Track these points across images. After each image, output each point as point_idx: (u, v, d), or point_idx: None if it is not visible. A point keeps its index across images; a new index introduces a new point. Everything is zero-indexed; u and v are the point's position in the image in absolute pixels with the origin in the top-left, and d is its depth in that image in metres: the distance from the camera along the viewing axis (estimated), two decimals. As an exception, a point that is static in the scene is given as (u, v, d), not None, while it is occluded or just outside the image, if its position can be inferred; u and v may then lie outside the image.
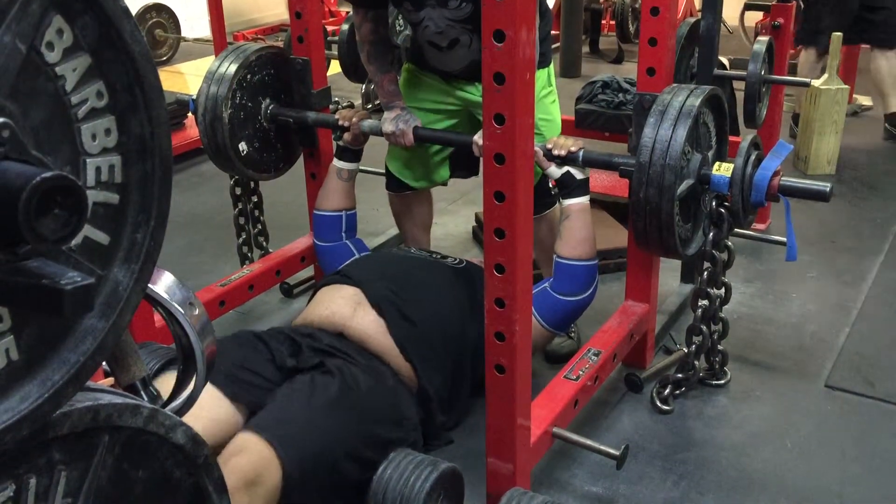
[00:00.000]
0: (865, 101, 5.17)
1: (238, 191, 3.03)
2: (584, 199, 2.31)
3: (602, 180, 3.71)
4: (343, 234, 2.73)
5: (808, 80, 3.24)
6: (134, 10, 6.16)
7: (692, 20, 2.98)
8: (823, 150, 4.13)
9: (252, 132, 2.70)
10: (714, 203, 2.16)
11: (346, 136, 2.65)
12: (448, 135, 2.57)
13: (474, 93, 2.52)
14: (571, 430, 2.09)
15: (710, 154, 2.20)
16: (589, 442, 2.05)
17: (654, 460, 2.20)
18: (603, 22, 7.10)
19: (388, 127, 2.54)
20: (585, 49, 6.67)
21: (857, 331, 2.79)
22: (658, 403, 2.38)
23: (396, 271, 2.40)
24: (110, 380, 1.12)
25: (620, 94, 3.76)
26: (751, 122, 2.98)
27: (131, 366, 1.04)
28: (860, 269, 3.22)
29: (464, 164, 2.80)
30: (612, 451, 2.01)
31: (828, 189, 2.04)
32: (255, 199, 3.07)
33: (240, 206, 3.05)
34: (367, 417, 1.94)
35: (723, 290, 2.33)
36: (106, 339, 0.84)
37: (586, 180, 2.32)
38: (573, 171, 2.28)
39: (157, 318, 2.34)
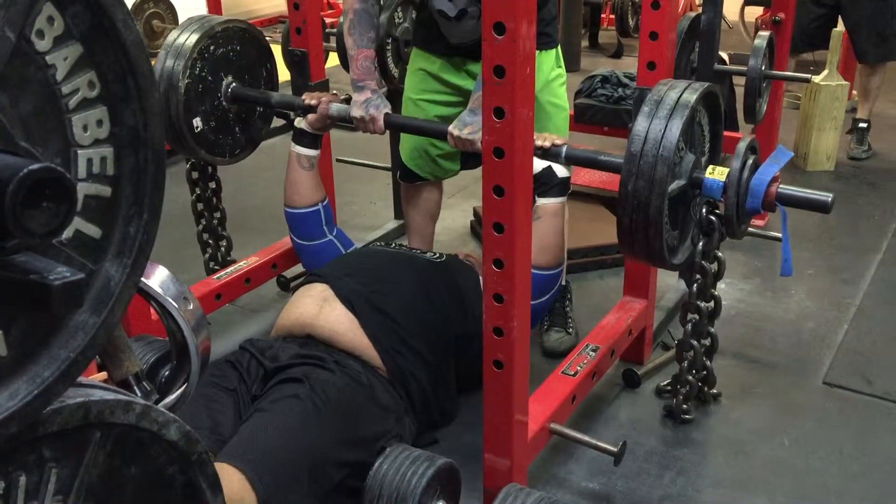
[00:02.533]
0: (865, 97, 5.15)
1: (195, 175, 2.85)
2: (560, 200, 2.19)
3: (600, 175, 3.69)
4: (325, 229, 2.63)
5: (808, 76, 3.22)
6: (130, 0, 6.13)
7: (692, 14, 2.97)
8: (823, 147, 4.12)
9: (209, 109, 2.52)
10: (704, 210, 2.03)
11: (311, 117, 2.49)
12: (422, 123, 2.47)
13: (479, 72, 2.48)
14: (569, 425, 2.08)
15: (704, 160, 2.05)
16: (586, 438, 2.04)
17: (652, 456, 2.19)
18: (602, 16, 7.08)
19: (356, 112, 2.41)
20: (585, 43, 6.65)
21: (855, 328, 2.78)
22: (682, 416, 2.31)
23: (367, 265, 2.34)
24: (103, 374, 1.10)
25: (620, 89, 3.74)
26: (751, 117, 2.97)
27: (124, 361, 1.02)
28: (859, 267, 3.21)
29: (474, 156, 2.76)
30: (609, 447, 2.00)
31: (829, 199, 1.91)
32: (212, 185, 2.90)
33: (197, 192, 2.88)
34: (342, 420, 1.89)
35: (712, 303, 2.19)
36: (97, 334, 0.82)
37: (567, 180, 2.20)
38: (555, 167, 2.17)
39: (154, 311, 2.32)
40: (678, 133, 1.83)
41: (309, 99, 2.49)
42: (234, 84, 2.55)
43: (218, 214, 2.95)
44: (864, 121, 4.37)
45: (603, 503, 2.05)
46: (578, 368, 2.19)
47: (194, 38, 2.42)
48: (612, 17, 7.04)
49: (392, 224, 3.48)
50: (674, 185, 1.88)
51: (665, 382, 2.41)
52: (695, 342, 2.22)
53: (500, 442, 1.83)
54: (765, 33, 2.97)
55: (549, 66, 2.48)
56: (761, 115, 3.05)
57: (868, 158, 4.34)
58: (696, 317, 2.19)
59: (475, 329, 1.83)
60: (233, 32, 2.55)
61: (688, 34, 2.91)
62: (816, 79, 3.98)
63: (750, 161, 1.94)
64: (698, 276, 2.13)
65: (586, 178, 3.67)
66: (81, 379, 0.90)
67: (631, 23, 6.81)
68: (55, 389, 0.80)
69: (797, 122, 4.26)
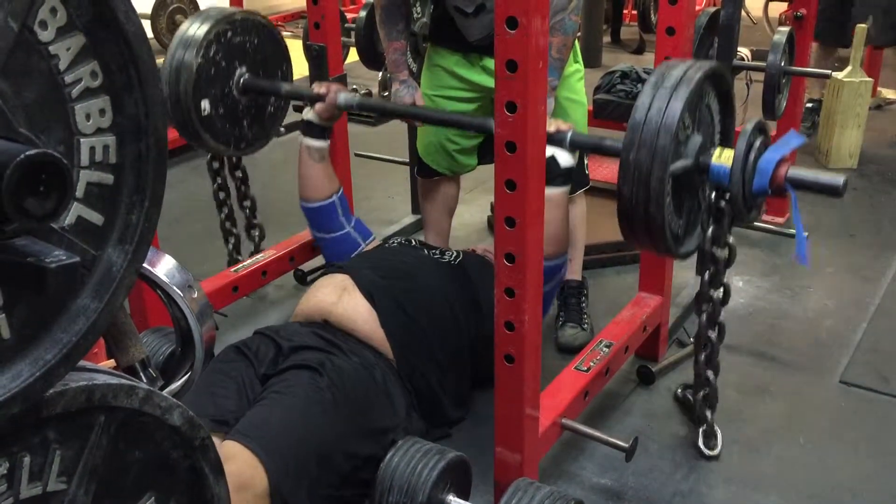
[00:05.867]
0: (890, 94, 5.09)
1: (216, 165, 2.85)
2: (563, 190, 2.14)
3: (619, 171, 3.68)
4: (343, 220, 2.62)
5: (829, 72, 3.19)
6: (155, -5, 6.20)
7: (711, 10, 2.95)
8: (846, 144, 4.07)
9: (219, 95, 2.43)
10: (713, 196, 1.91)
11: (319, 106, 2.46)
12: (463, 118, 2.46)
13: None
14: (581, 421, 2.08)
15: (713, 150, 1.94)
16: (598, 434, 2.04)
17: (664, 453, 2.19)
18: (625, 11, 7.06)
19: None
20: (606, 39, 6.63)
21: (874, 327, 2.76)
22: (705, 450, 2.18)
23: (389, 262, 2.35)
24: (111, 362, 1.12)
25: (639, 85, 3.72)
26: (769, 113, 2.95)
27: (130, 348, 1.04)
28: (879, 265, 3.17)
29: (491, 151, 2.76)
30: (621, 443, 1.99)
31: (841, 183, 1.79)
32: (239, 174, 2.91)
33: (219, 181, 2.88)
34: (354, 411, 1.90)
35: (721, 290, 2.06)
36: (99, 319, 0.84)
37: (570, 170, 2.15)
38: (558, 156, 2.10)
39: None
40: (682, 103, 1.72)
41: (318, 88, 2.49)
42: (246, 76, 2.50)
43: (248, 203, 2.98)
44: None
45: (614, 499, 2.05)
46: (591, 364, 2.19)
47: (213, 20, 2.37)
48: (635, 12, 7.01)
49: (409, 219, 3.49)
50: (679, 164, 1.77)
51: (680, 389, 2.39)
52: (712, 334, 2.11)
53: (510, 436, 1.84)
54: (784, 28, 2.95)
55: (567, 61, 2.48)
56: (780, 111, 3.03)
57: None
58: (710, 306, 2.07)
59: (490, 334, 1.82)
60: (252, 25, 2.50)
61: (707, 29, 2.89)
62: (839, 75, 3.93)
63: (757, 142, 1.83)
64: (710, 264, 2.01)
65: (605, 173, 3.66)
66: (86, 363, 0.92)
67: (653, 19, 6.76)
68: (57, 372, 0.81)
69: (820, 119, 4.22)
